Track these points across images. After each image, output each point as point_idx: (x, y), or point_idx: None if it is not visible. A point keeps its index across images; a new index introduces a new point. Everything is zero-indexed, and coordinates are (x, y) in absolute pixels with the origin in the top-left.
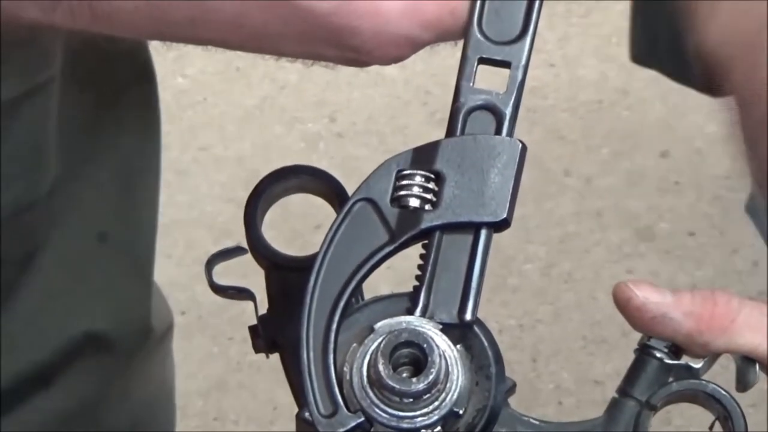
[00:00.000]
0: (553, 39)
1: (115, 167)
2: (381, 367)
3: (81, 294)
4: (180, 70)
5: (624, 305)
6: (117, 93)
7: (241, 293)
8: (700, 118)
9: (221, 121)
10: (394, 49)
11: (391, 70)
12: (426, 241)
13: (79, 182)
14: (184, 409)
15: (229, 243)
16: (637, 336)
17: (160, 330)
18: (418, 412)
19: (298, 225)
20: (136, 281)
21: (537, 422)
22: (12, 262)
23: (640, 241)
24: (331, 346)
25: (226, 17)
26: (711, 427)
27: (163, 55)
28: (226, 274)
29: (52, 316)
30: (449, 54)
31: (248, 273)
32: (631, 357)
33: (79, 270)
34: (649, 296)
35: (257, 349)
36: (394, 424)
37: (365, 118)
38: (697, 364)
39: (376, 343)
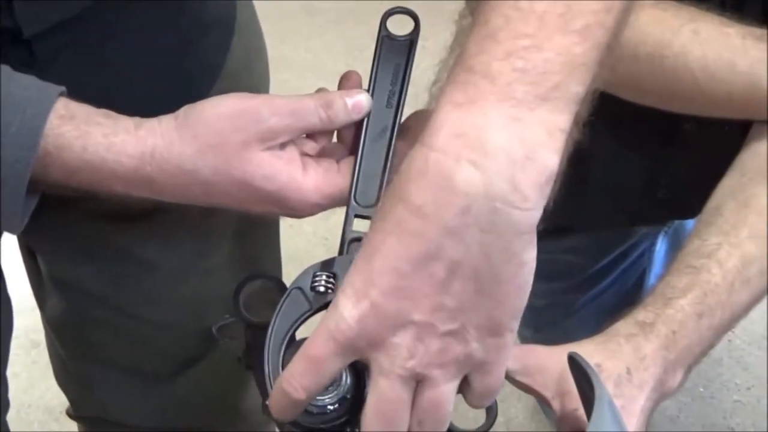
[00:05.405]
0: None
1: None
2: None
3: None
4: None
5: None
6: None
7: (232, 340)
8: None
9: None
10: (309, 210)
11: (307, 225)
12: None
13: None
14: None
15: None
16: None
17: None
18: (326, 397)
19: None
20: None
21: None
22: None
23: None
24: (280, 364)
25: (221, 197)
26: None
27: None
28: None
29: None
30: (336, 215)
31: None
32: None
33: None
34: None
35: (245, 368)
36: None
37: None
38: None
39: None
